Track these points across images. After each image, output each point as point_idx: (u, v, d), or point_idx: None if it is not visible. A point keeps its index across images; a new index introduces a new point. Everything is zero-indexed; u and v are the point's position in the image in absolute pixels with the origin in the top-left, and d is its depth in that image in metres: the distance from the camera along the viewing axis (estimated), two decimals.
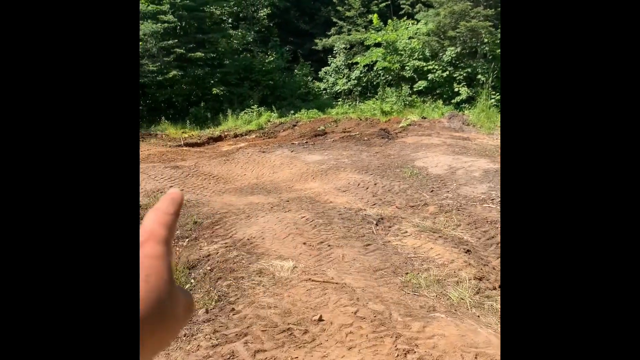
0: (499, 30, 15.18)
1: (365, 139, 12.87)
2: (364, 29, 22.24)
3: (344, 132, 14.80)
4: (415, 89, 17.39)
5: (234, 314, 3.39)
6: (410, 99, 17.00)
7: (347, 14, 23.41)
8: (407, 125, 13.98)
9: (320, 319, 3.23)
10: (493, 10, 15.29)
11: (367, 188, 7.21)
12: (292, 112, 18.73)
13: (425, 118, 14.79)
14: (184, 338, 3.12)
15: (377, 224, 5.43)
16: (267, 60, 21.86)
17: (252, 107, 19.03)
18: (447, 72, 16.44)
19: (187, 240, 5.18)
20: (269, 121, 17.99)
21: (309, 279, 3.92)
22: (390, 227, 5.40)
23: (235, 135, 16.69)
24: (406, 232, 5.22)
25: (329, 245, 4.75)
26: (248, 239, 5.03)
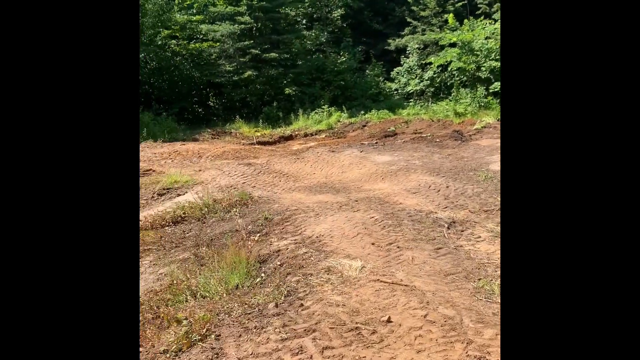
0: None
1: (437, 140, 12.61)
2: (438, 29, 21.80)
3: (415, 133, 14.57)
4: (491, 90, 16.79)
5: (302, 310, 3.43)
6: (485, 100, 16.44)
7: (422, 13, 23.04)
8: (482, 127, 13.53)
9: (389, 320, 3.20)
10: None
11: (439, 190, 7.05)
12: (362, 112, 18.70)
13: None
14: (254, 330, 3.20)
15: (448, 228, 5.30)
16: (339, 61, 21.95)
17: (323, 107, 19.18)
18: None
19: (258, 235, 5.30)
20: (338, 121, 18.07)
21: (378, 279, 3.89)
22: (462, 231, 5.25)
23: (306, 135, 16.91)
24: (479, 237, 5.06)
25: (398, 247, 4.69)
26: (317, 237, 5.07)
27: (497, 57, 16.94)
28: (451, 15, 19.64)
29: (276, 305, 3.52)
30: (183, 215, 6.41)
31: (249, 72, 19.75)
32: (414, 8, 23.59)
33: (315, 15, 26.14)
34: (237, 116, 19.23)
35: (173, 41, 21.94)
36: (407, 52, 22.81)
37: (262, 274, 4.23)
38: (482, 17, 20.22)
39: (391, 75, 22.85)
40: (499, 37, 16.77)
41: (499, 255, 4.52)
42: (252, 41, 20.08)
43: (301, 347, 2.93)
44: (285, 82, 20.98)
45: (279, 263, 4.45)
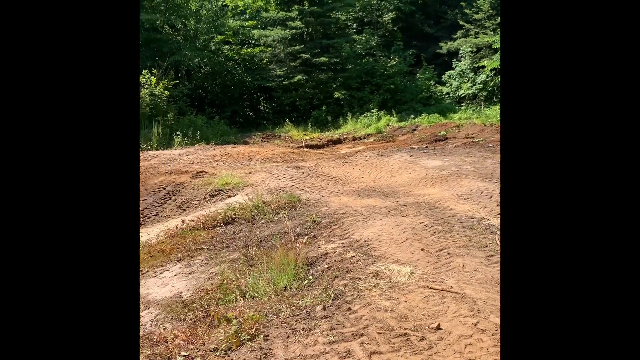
0: None
1: (490, 145, 12.29)
2: (492, 32, 21.28)
3: (467, 137, 14.26)
4: None
5: (350, 313, 3.42)
6: None
7: (475, 16, 22.56)
8: None
9: (439, 327, 3.14)
10: None
11: (491, 197, 6.87)
12: (412, 116, 18.51)
13: None
14: (302, 332, 3.22)
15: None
16: (389, 64, 21.84)
17: (372, 110, 19.13)
18: None
19: (306, 237, 5.34)
20: (388, 125, 17.96)
21: (427, 285, 3.83)
22: None
23: (354, 138, 16.90)
24: None
25: (448, 253, 4.60)
26: (365, 241, 5.05)
27: None
28: None
29: (324, 308, 3.53)
30: (233, 216, 6.54)
31: (299, 77, 19.96)
32: (467, 11, 23.13)
33: (365, 19, 26.11)
34: (287, 120, 19.47)
35: (226, 46, 22.50)
36: (460, 55, 22.39)
37: (310, 277, 4.25)
38: None
39: (442, 79, 22.50)
40: None
41: None
42: (302, 46, 20.29)
43: (349, 350, 2.93)
44: (334, 86, 21.07)
45: (326, 266, 4.45)
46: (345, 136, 17.27)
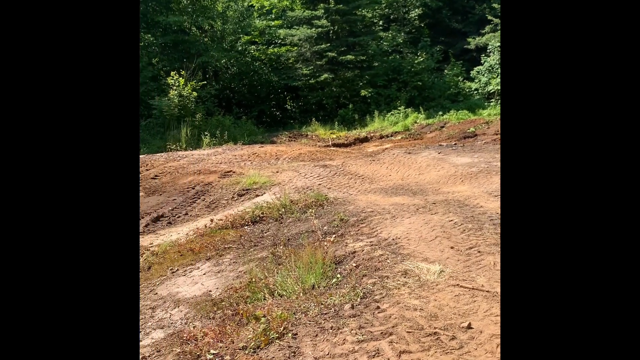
0: None
1: None
2: None
3: (497, 134, 14.00)
4: None
5: (379, 312, 3.38)
6: None
7: None
8: None
9: (469, 327, 3.08)
10: None
11: None
12: (440, 113, 18.29)
13: None
14: (331, 330, 3.20)
15: None
16: (416, 61, 21.63)
17: (399, 108, 18.98)
18: None
19: (334, 236, 5.32)
20: (415, 122, 17.79)
21: (457, 284, 3.76)
22: None
23: (381, 137, 16.80)
24: None
25: (479, 252, 4.52)
26: (393, 239, 5.00)
27: None
28: None
29: (352, 307, 3.51)
30: (261, 215, 6.58)
31: (325, 75, 19.94)
32: (495, 5, 22.69)
33: (392, 16, 25.90)
34: (313, 118, 19.49)
35: (253, 46, 22.66)
36: (488, 50, 22.00)
37: (338, 275, 4.23)
38: None
39: (471, 75, 22.14)
40: None
41: None
42: (328, 44, 20.27)
43: (378, 349, 2.90)
44: (361, 84, 20.99)
45: (354, 264, 4.43)
46: (372, 134, 17.18)
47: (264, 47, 22.82)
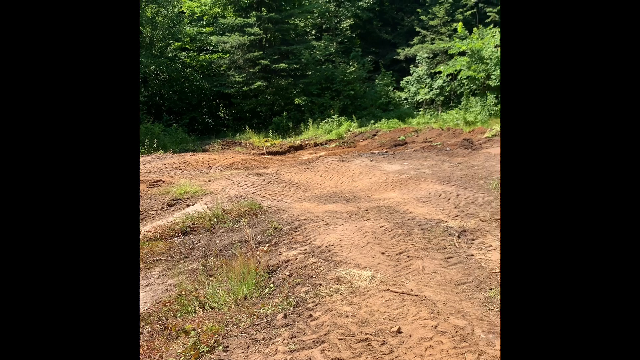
0: None
1: (448, 149, 12.54)
2: (448, 38, 21.78)
3: (425, 142, 14.51)
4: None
5: (311, 321, 3.38)
6: (495, 108, 16.36)
7: (431, 22, 23.05)
8: (492, 135, 13.44)
9: (399, 331, 3.15)
10: None
11: (449, 199, 6.99)
12: (372, 121, 18.70)
13: None
14: (263, 341, 3.16)
15: (459, 237, 5.23)
16: (348, 71, 22.00)
17: (333, 116, 19.22)
18: None
19: (267, 245, 5.28)
20: (348, 130, 18.08)
21: (388, 289, 3.84)
22: (473, 240, 5.18)
23: (316, 144, 16.92)
24: (490, 245, 4.99)
25: (408, 256, 4.64)
26: (326, 247, 5.03)
27: None
28: (460, 24, 19.63)
29: (285, 316, 3.48)
30: (192, 226, 6.41)
31: (259, 83, 19.85)
32: (423, 17, 23.60)
33: (324, 26, 26.26)
34: (247, 126, 19.33)
35: (183, 53, 22.16)
36: (417, 61, 22.80)
37: (271, 285, 4.20)
38: (491, 26, 20.18)
39: (401, 85, 22.83)
40: None
41: None
42: (261, 52, 20.20)
43: (310, 358, 2.89)
44: (295, 92, 21.06)
45: (287, 273, 4.41)
46: (306, 142, 17.27)
47: (195, 54, 22.39)
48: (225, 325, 3.44)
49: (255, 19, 20.26)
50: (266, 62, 19.92)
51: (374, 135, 17.01)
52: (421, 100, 21.28)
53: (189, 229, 6.35)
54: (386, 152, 13.05)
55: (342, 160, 11.44)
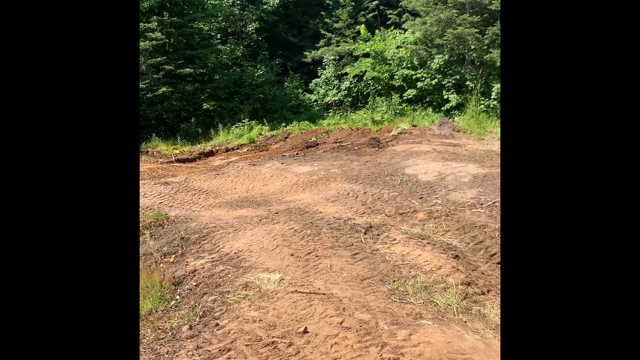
0: (485, 37, 15.26)
1: (356, 148, 12.87)
2: (352, 40, 22.34)
3: (336, 142, 14.79)
4: (405, 98, 17.44)
5: (218, 329, 3.33)
6: (400, 107, 17.03)
7: (335, 25, 23.53)
8: (398, 133, 13.99)
9: (305, 331, 3.18)
10: (479, 17, 15.39)
11: (357, 197, 7.18)
12: (283, 124, 18.74)
13: (415, 126, 14.82)
14: (167, 355, 3.06)
15: (365, 233, 5.39)
16: (256, 74, 21.89)
17: (243, 121, 19.02)
18: (436, 80, 16.51)
19: (173, 256, 5.12)
20: (260, 134, 17.98)
21: (296, 290, 3.86)
22: (378, 235, 5.36)
23: (227, 150, 16.66)
24: (395, 239, 5.18)
25: (316, 256, 4.70)
26: (235, 253, 4.97)
27: (409, 65, 17.63)
28: (363, 26, 20.23)
29: (190, 327, 3.40)
30: None
31: (164, 89, 19.18)
32: (327, 20, 24.04)
33: (229, 30, 25.93)
34: (154, 134, 18.62)
35: None
36: (324, 63, 23.17)
37: (177, 297, 4.08)
38: (392, 27, 20.99)
39: (310, 87, 23.09)
40: (409, 46, 17.47)
41: (413, 257, 4.66)
42: (165, 57, 19.53)
43: None
44: (202, 97, 20.59)
45: (195, 283, 4.30)
46: (218, 148, 16.95)
47: None
48: None
49: (156, 23, 19.56)
50: (170, 67, 19.28)
51: (286, 138, 17.07)
52: (330, 101, 21.66)
53: None
54: (297, 154, 13.15)
55: (254, 165, 11.36)
